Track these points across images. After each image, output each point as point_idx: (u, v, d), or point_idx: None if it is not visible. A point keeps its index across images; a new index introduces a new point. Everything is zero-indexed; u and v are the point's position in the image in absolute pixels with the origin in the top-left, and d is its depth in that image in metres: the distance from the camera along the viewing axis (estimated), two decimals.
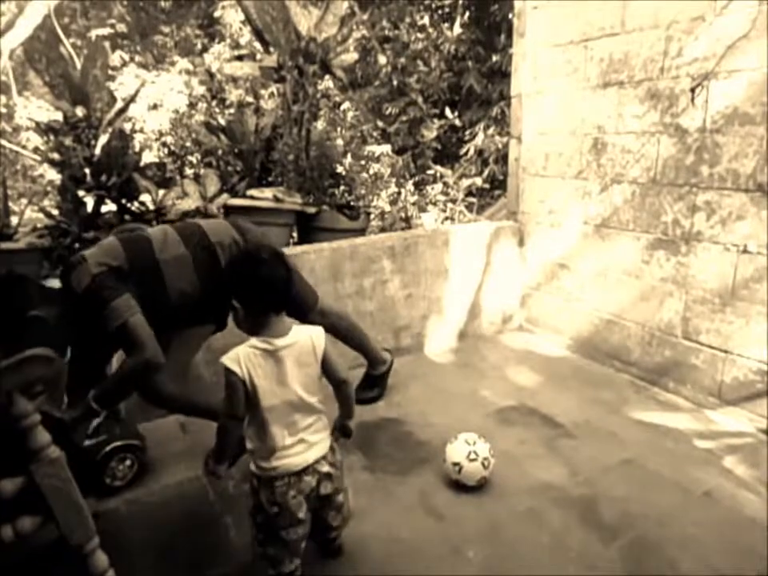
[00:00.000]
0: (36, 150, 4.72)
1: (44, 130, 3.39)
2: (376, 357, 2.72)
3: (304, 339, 1.47)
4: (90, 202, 3.33)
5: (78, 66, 3.71)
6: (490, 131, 6.41)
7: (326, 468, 1.53)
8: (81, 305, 1.86)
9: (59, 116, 3.52)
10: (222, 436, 1.53)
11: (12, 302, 1.73)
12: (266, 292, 1.43)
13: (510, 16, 4.88)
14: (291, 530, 1.50)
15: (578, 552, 1.76)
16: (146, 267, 1.97)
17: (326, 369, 1.50)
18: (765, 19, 2.23)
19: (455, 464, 2.05)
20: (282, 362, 1.44)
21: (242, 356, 1.42)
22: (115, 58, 9.18)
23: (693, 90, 2.51)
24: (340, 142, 5.43)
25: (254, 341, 1.44)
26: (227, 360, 1.42)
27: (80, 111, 3.31)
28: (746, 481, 2.11)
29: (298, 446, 1.48)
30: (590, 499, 2.01)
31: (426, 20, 7.22)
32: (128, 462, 2.10)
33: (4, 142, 5.56)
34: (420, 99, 6.96)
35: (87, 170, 3.24)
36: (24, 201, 4.44)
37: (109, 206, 3.45)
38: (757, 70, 2.29)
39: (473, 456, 2.03)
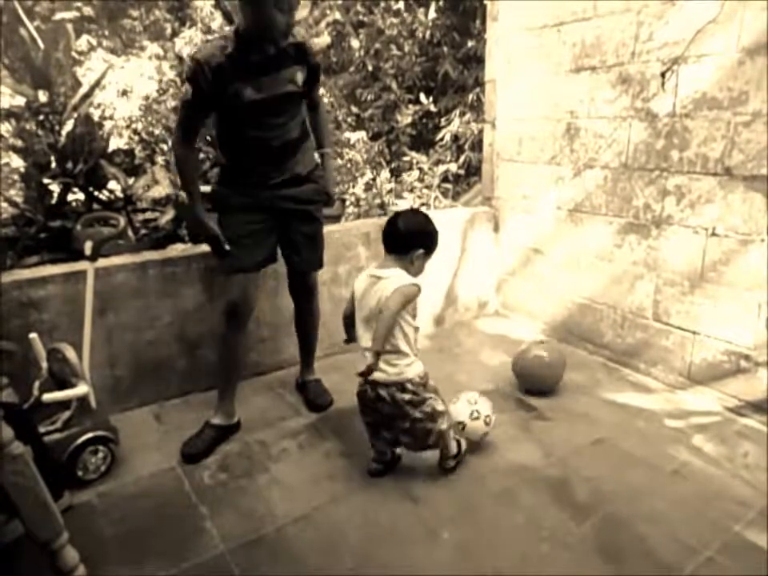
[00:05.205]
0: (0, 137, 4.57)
1: (5, 115, 3.28)
2: (313, 361, 2.70)
3: (388, 281, 1.85)
4: (56, 189, 3.24)
5: (41, 49, 3.58)
6: (466, 117, 6.41)
7: (383, 392, 1.89)
8: None
9: (22, 101, 3.40)
10: (345, 329, 2.08)
11: None
12: (386, 235, 1.95)
13: (485, 1, 4.86)
14: (363, 414, 2.02)
15: (551, 531, 1.79)
16: None
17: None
18: (732, 3, 2.26)
19: (459, 423, 2.13)
20: (369, 286, 1.90)
21: (359, 275, 2.00)
22: (82, 42, 8.91)
23: (663, 75, 2.53)
24: None
25: (372, 266, 1.97)
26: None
27: (43, 96, 3.21)
28: (713, 458, 2.17)
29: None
30: (563, 479, 2.05)
31: (401, 4, 7.15)
32: (101, 455, 2.06)
33: None
34: (394, 84, 6.91)
35: (52, 157, 3.15)
36: None
37: (77, 195, 3.36)
38: (724, 55, 2.32)
39: (475, 415, 2.15)
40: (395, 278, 1.85)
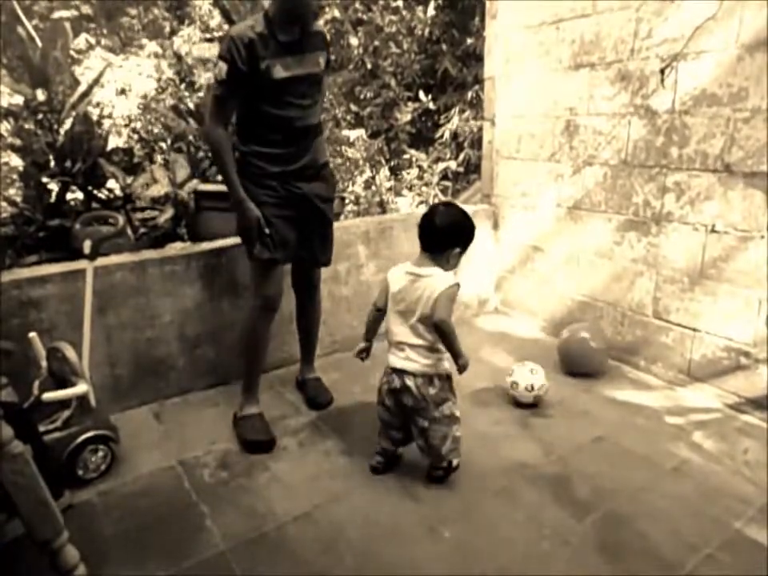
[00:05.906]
0: None
1: (4, 114, 3.27)
2: (314, 359, 2.71)
3: (430, 280, 1.86)
4: (55, 188, 3.24)
5: (39, 47, 3.57)
6: (465, 115, 6.40)
7: (410, 382, 1.89)
8: None
9: (20, 100, 3.40)
10: (367, 319, 2.08)
11: None
12: (422, 232, 1.92)
13: None
14: (381, 408, 2.02)
15: (551, 528, 1.79)
16: None
17: (433, 308, 1.83)
18: (731, 1, 2.25)
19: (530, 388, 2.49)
20: (409, 283, 1.89)
21: (393, 269, 1.98)
22: (80, 41, 8.88)
23: (662, 72, 2.53)
24: None
25: (407, 262, 1.95)
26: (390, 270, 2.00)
27: (41, 95, 3.20)
28: (713, 455, 2.17)
29: (400, 352, 1.92)
30: (564, 476, 2.05)
31: (400, 2, 7.14)
32: (101, 453, 2.06)
33: None
34: (393, 82, 6.90)
35: (51, 156, 3.14)
36: None
37: (75, 194, 3.36)
38: (724, 51, 2.31)
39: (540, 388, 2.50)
40: (437, 277, 1.86)
